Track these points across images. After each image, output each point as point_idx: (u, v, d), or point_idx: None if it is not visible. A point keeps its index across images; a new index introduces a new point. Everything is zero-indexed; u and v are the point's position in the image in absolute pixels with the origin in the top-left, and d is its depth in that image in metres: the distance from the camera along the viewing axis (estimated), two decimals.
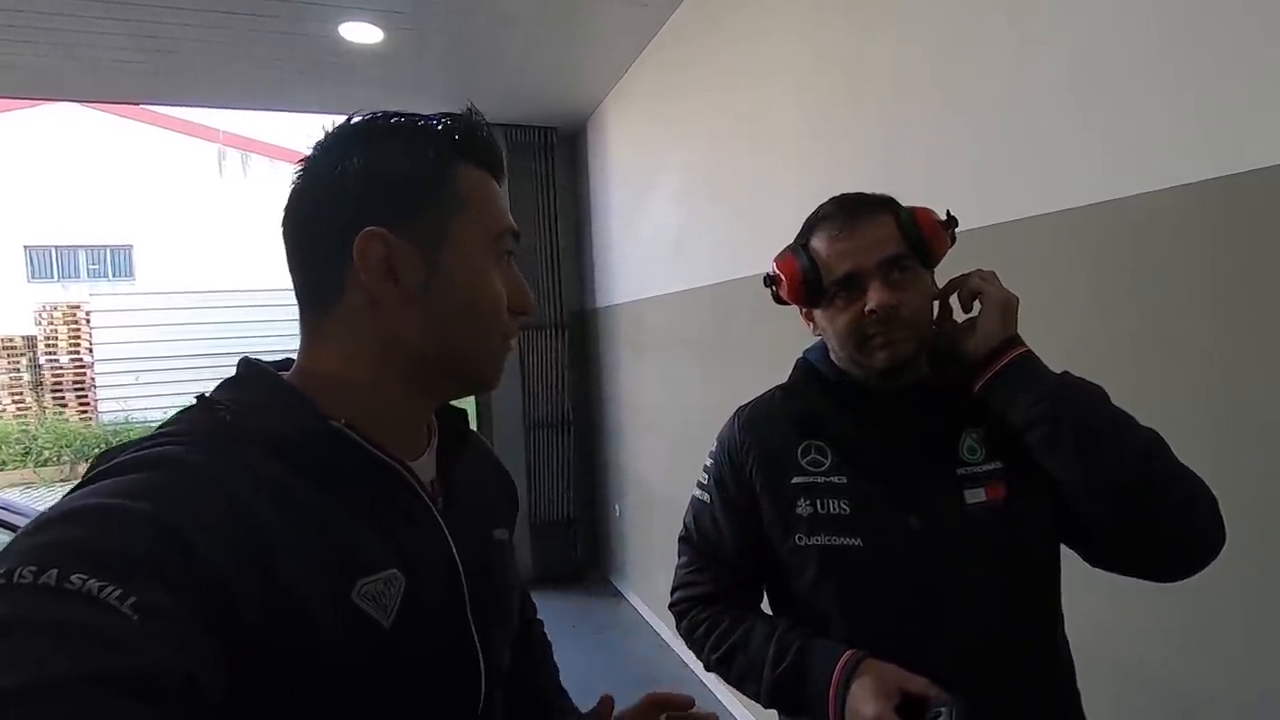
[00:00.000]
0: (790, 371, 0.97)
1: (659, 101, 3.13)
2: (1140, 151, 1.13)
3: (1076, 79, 1.23)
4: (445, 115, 0.60)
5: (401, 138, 0.58)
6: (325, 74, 3.17)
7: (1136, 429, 0.77)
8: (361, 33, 2.75)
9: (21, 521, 2.16)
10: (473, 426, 0.71)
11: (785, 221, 2.14)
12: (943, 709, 0.68)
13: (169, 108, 8.40)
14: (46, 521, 0.40)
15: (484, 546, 0.66)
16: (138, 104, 3.60)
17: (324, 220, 0.57)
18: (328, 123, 0.60)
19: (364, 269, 0.55)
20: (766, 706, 0.86)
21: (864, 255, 0.83)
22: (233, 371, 0.58)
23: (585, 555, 4.40)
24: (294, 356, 0.60)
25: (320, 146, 0.58)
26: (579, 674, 0.87)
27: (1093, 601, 0.92)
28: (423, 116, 0.60)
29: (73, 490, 0.45)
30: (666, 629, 3.33)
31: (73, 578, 0.37)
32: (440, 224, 0.57)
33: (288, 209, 0.58)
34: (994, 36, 1.40)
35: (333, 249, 0.55)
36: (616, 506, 4.08)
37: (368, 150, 0.57)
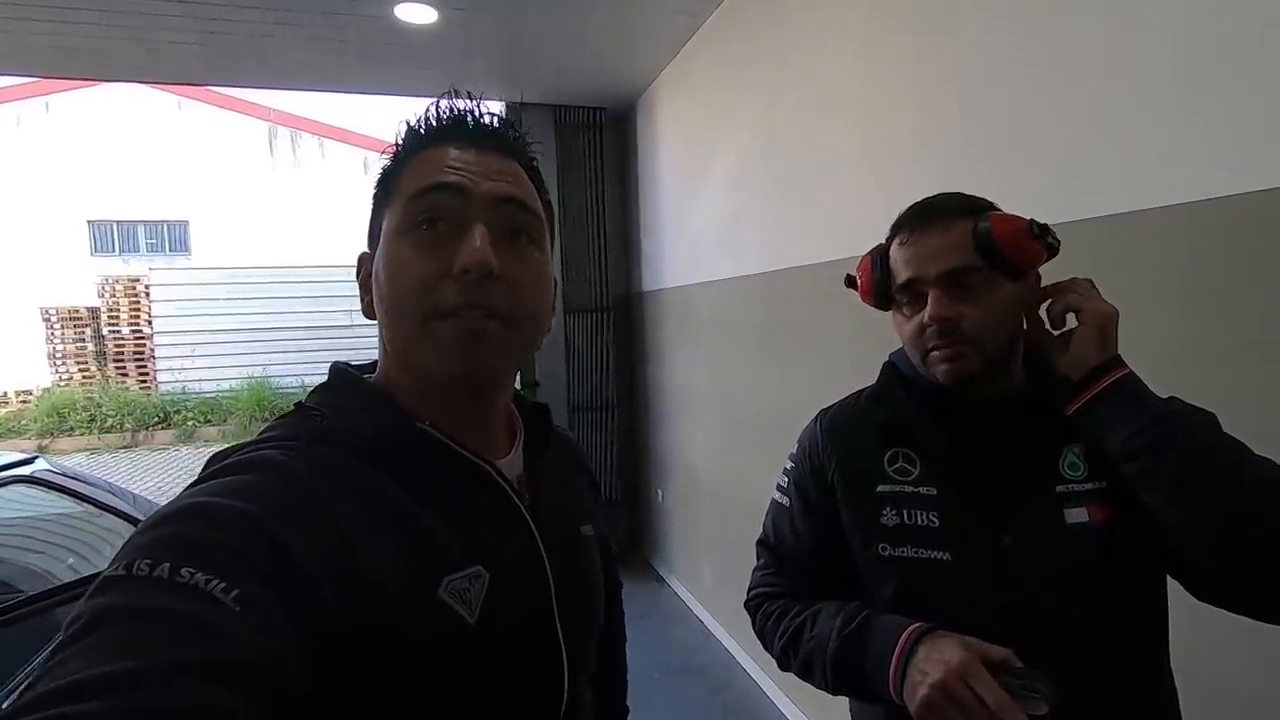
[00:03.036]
0: (877, 375, 0.93)
1: (712, 83, 3.06)
2: (1251, 147, 1.05)
3: (1181, 66, 1.14)
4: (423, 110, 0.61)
5: (388, 160, 0.61)
6: (380, 55, 3.18)
7: (1251, 463, 0.71)
8: (416, 13, 2.74)
9: (95, 493, 2.25)
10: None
11: (843, 212, 2.11)
12: (1040, 688, 0.63)
13: (223, 88, 8.60)
14: (161, 519, 0.44)
15: (572, 543, 0.67)
16: (194, 85, 3.65)
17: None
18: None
19: (360, 290, 0.61)
20: (831, 685, 0.82)
21: (924, 264, 0.80)
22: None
23: (627, 538, 4.42)
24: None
25: None
26: None
27: (1198, 631, 0.87)
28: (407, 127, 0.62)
29: (187, 488, 0.48)
30: (709, 616, 3.33)
31: (182, 570, 0.40)
32: (379, 220, 0.59)
33: None
34: (1088, 20, 1.31)
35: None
36: (660, 491, 4.07)
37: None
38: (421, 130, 0.59)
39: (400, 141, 0.60)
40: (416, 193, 0.56)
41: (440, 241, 0.55)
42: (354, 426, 0.54)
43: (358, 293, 0.63)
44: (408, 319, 0.55)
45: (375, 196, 0.61)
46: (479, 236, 0.54)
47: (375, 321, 0.60)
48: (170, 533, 0.42)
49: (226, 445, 0.53)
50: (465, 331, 0.54)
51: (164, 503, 0.47)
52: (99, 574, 0.41)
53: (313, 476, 0.49)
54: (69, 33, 2.81)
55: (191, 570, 0.40)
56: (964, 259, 0.78)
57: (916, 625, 0.74)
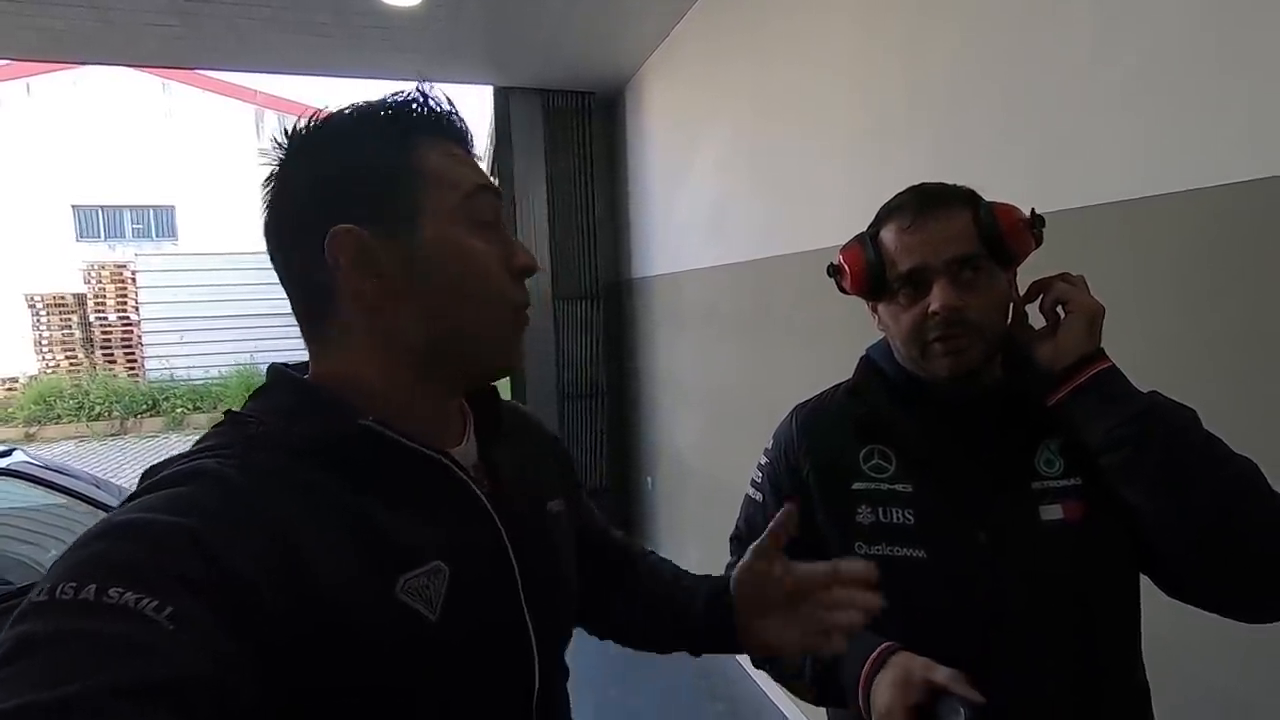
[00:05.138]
0: (854, 369, 0.92)
1: (702, 68, 3.02)
2: (1239, 136, 1.03)
3: (1169, 54, 1.13)
4: (396, 95, 0.58)
5: (358, 128, 0.57)
6: (363, 38, 3.12)
7: (1230, 460, 0.70)
8: None
9: (76, 485, 2.23)
10: (506, 397, 0.71)
11: (832, 199, 2.10)
12: (958, 710, 0.64)
13: (206, 71, 8.47)
14: (87, 539, 0.42)
15: (538, 524, 0.66)
16: (174, 68, 3.59)
17: (297, 228, 0.56)
18: (369, 88, 0.60)
19: (341, 268, 0.54)
20: (816, 701, 0.83)
21: (931, 251, 0.77)
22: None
23: (616, 526, 4.41)
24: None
25: (283, 153, 0.57)
26: (605, 644, 0.87)
27: (1163, 621, 0.87)
28: (374, 102, 0.58)
29: (122, 503, 0.46)
30: None
31: (110, 591, 0.38)
32: (409, 203, 0.55)
33: (265, 224, 0.58)
34: (1077, 6, 1.29)
35: (312, 255, 0.54)
36: (649, 479, 4.08)
37: (327, 148, 0.56)
38: (429, 116, 0.58)
39: (401, 113, 0.57)
40: (471, 190, 0.57)
41: (496, 240, 0.58)
42: (294, 427, 0.52)
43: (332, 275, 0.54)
44: (493, 309, 0.58)
45: (378, 166, 0.55)
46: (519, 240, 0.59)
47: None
48: (98, 551, 0.41)
49: (160, 460, 0.51)
50: (523, 329, 0.60)
51: None
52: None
53: (252, 484, 0.47)
54: (47, 14, 2.74)
55: (120, 590, 0.38)
56: (970, 246, 0.77)
57: (876, 654, 0.74)
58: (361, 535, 0.50)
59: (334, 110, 0.58)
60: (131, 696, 0.35)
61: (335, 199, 0.54)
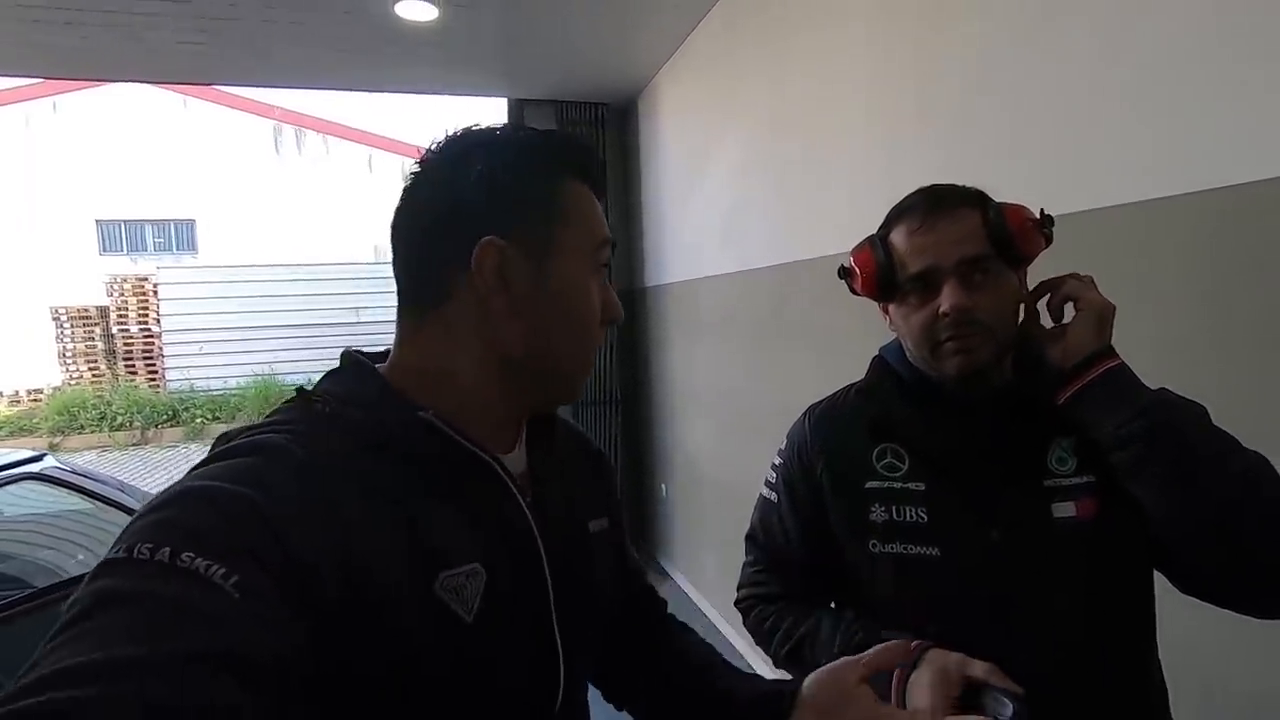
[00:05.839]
0: (866, 370, 0.93)
1: (714, 77, 3.05)
2: (1254, 135, 1.04)
3: (1168, 59, 1.14)
4: (553, 132, 0.63)
5: (517, 151, 0.60)
6: (381, 53, 3.18)
7: (1240, 454, 0.71)
8: (417, 10, 2.75)
9: (104, 490, 2.28)
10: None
11: (846, 205, 2.11)
12: (1004, 703, 0.64)
13: (227, 86, 8.64)
14: (163, 501, 0.44)
15: (577, 540, 0.67)
16: (197, 85, 3.69)
17: (442, 226, 0.58)
18: (448, 124, 0.63)
19: (480, 276, 0.56)
20: None
21: (941, 253, 0.78)
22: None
23: (631, 534, 4.42)
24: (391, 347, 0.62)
25: (439, 153, 0.60)
26: None
27: (1182, 620, 0.87)
28: (535, 132, 0.63)
29: (192, 469, 0.48)
30: (713, 610, 3.34)
31: (183, 555, 0.40)
32: (548, 235, 0.59)
33: (402, 210, 0.60)
34: (1078, 15, 1.30)
35: (448, 253, 0.57)
36: (663, 486, 4.08)
37: (487, 160, 0.59)
38: (579, 159, 0.62)
39: (558, 148, 0.62)
40: (602, 241, 0.63)
41: (602, 288, 0.64)
42: (357, 414, 0.54)
43: (486, 283, 0.57)
44: (586, 347, 0.63)
45: (535, 192, 0.59)
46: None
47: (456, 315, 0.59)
48: (172, 516, 0.42)
49: (234, 429, 0.53)
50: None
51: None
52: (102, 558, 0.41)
53: (315, 463, 0.49)
54: (72, 34, 2.83)
55: (192, 555, 0.39)
56: (980, 247, 0.78)
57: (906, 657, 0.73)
58: (407, 527, 0.51)
59: (491, 127, 0.62)
60: (202, 663, 0.36)
61: (489, 210, 0.57)
